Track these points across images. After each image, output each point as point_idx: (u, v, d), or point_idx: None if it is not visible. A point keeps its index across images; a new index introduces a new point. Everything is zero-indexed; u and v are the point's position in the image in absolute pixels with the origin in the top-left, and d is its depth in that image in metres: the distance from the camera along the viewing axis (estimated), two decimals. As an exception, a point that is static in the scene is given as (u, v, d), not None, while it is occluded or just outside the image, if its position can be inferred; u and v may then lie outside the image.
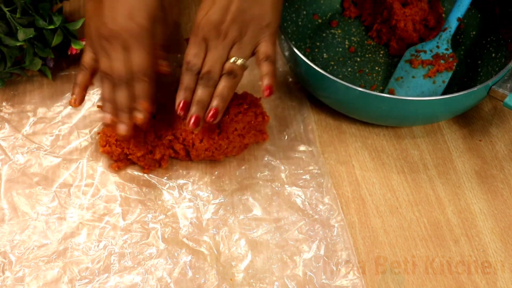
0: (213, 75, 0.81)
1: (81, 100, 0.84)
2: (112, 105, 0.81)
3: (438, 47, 0.97)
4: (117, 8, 0.81)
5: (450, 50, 0.97)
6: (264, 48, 0.82)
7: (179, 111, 0.81)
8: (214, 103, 0.81)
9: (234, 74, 0.82)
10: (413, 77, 0.96)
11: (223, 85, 0.82)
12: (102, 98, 0.82)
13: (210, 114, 0.81)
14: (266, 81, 0.82)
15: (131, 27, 0.80)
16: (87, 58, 0.84)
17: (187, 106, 0.81)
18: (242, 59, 0.82)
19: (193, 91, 0.82)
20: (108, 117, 0.81)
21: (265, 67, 0.82)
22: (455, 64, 0.96)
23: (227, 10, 0.80)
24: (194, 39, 0.81)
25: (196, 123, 0.81)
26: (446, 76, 0.96)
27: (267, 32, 0.82)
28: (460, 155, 0.92)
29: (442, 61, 0.96)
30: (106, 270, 0.79)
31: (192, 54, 0.81)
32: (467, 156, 0.92)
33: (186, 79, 0.82)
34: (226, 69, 0.81)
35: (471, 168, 0.91)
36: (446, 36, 0.98)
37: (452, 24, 0.98)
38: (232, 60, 0.81)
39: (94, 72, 0.84)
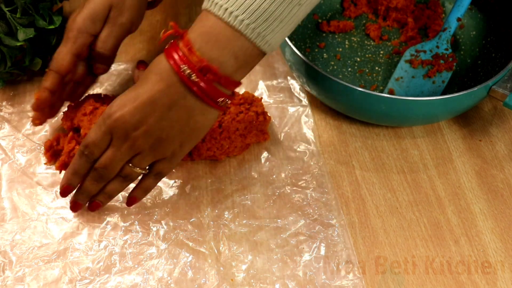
0: (107, 174, 0.77)
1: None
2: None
3: (438, 47, 0.97)
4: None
5: (450, 50, 0.97)
6: (161, 166, 0.78)
7: (60, 193, 0.80)
8: (100, 198, 0.81)
9: (130, 178, 0.79)
10: (413, 77, 0.96)
11: (115, 186, 0.79)
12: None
13: (92, 207, 0.82)
14: (135, 192, 0.81)
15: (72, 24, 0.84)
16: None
17: (70, 190, 0.81)
18: (141, 169, 0.78)
19: (82, 177, 0.79)
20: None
21: (148, 182, 0.80)
22: (455, 64, 0.96)
23: (144, 119, 0.73)
24: (102, 126, 0.75)
25: (77, 209, 0.82)
26: (446, 76, 0.96)
27: (176, 152, 0.77)
28: (460, 155, 0.92)
29: (442, 61, 0.96)
30: (107, 270, 0.79)
31: (94, 141, 0.75)
32: (467, 156, 0.92)
33: (78, 163, 0.78)
34: (123, 173, 0.78)
35: (471, 168, 0.91)
36: (446, 36, 0.98)
37: (452, 24, 0.98)
38: (131, 166, 0.77)
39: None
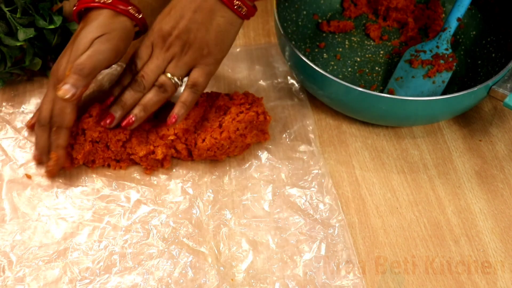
0: (145, 82, 0.84)
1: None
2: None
3: (437, 47, 0.97)
4: (75, 48, 0.82)
5: (450, 50, 0.97)
6: (195, 74, 0.85)
7: (107, 102, 0.85)
8: (135, 111, 0.84)
9: (164, 89, 0.84)
10: (412, 77, 0.96)
11: (150, 96, 0.84)
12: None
13: (126, 121, 0.84)
14: (176, 109, 0.84)
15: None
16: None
17: (113, 99, 0.86)
18: (176, 78, 0.84)
19: (122, 88, 0.85)
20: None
21: (185, 95, 0.85)
22: (455, 64, 0.96)
23: (176, 24, 0.82)
24: (146, 42, 0.84)
25: (110, 121, 0.84)
26: (446, 76, 0.96)
27: (205, 60, 0.84)
28: (460, 155, 0.92)
29: (442, 61, 0.96)
30: (107, 270, 0.79)
31: (138, 56, 0.85)
32: (467, 156, 0.92)
33: (123, 77, 0.85)
34: (159, 81, 0.84)
35: (471, 168, 0.91)
36: (445, 36, 0.98)
37: (452, 24, 0.98)
38: (168, 74, 0.84)
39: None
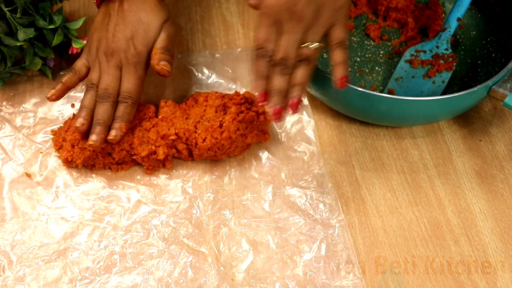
0: (289, 62, 0.76)
1: (58, 97, 0.87)
2: (89, 113, 0.84)
3: (437, 47, 0.97)
4: (121, 28, 0.85)
5: (450, 50, 0.97)
6: (337, 32, 0.77)
7: (261, 103, 0.77)
8: (295, 92, 0.77)
9: (310, 60, 0.77)
10: (412, 77, 0.96)
11: (301, 72, 0.77)
12: (82, 104, 0.85)
13: (294, 105, 0.77)
14: (339, 72, 0.78)
15: (129, 50, 0.85)
16: (80, 63, 0.88)
17: (267, 96, 0.77)
18: (317, 43, 0.77)
19: (267, 78, 0.77)
20: (81, 121, 0.84)
21: (338, 55, 0.78)
22: (454, 64, 0.96)
23: None
24: (265, 21, 0.76)
25: (279, 115, 0.77)
26: (446, 76, 0.96)
27: (341, 13, 0.76)
28: (460, 155, 0.92)
29: (442, 61, 0.96)
30: (107, 270, 0.79)
31: (264, 39, 0.76)
32: (467, 156, 0.92)
33: (261, 67, 0.77)
34: (303, 55, 0.76)
35: (471, 168, 0.91)
36: (445, 36, 0.98)
37: (452, 24, 0.98)
38: (307, 44, 0.76)
39: (81, 78, 0.88)
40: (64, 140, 0.86)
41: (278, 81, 0.76)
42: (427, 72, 0.96)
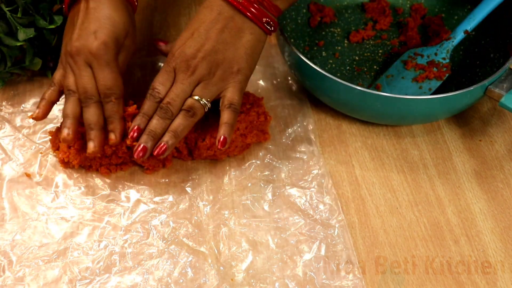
0: (172, 108, 0.81)
1: (44, 114, 0.84)
2: (73, 122, 0.81)
3: (436, 54, 0.97)
4: (85, 26, 0.82)
5: (447, 60, 0.96)
6: (230, 94, 0.82)
7: (131, 135, 0.81)
8: (166, 138, 0.81)
9: (193, 112, 0.81)
10: (402, 77, 0.96)
11: (179, 121, 0.81)
12: (63, 114, 0.82)
13: (158, 149, 0.81)
14: (222, 131, 0.81)
15: (92, 44, 0.81)
16: (58, 74, 0.84)
17: (140, 131, 0.81)
18: (204, 99, 0.82)
19: (150, 118, 0.82)
20: (66, 132, 0.81)
21: (226, 116, 0.82)
22: (446, 75, 0.95)
23: (201, 46, 0.81)
24: (166, 67, 0.82)
25: (143, 153, 0.80)
26: (434, 85, 0.95)
27: (236, 77, 0.83)
28: (460, 155, 0.92)
29: (434, 69, 0.95)
30: (107, 270, 0.79)
31: (159, 82, 0.82)
32: (467, 156, 0.92)
33: (147, 105, 0.82)
34: (186, 105, 0.81)
35: (471, 168, 0.91)
36: (447, 45, 0.97)
37: (458, 35, 0.97)
38: (195, 97, 0.81)
39: (61, 91, 0.84)
40: (60, 141, 0.86)
41: (155, 122, 0.81)
42: (416, 76, 0.96)
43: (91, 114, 0.81)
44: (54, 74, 0.84)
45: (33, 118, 0.83)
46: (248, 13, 0.81)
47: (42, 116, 0.83)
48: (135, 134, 0.81)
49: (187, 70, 0.81)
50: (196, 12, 0.84)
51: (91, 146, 0.81)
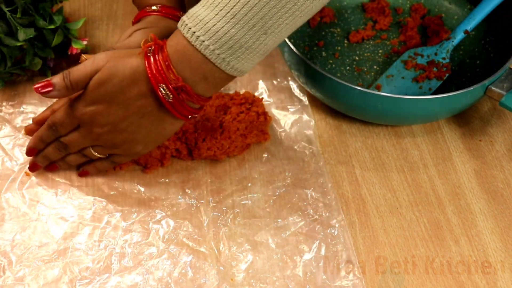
0: (70, 149, 0.83)
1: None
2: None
3: (436, 54, 0.97)
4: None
5: (447, 60, 0.96)
6: (120, 159, 0.85)
7: (26, 153, 0.85)
8: (60, 163, 0.86)
9: (89, 157, 0.84)
10: (402, 77, 0.96)
11: (74, 158, 0.85)
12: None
13: (51, 168, 0.86)
14: (90, 168, 0.86)
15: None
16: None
17: (34, 152, 0.85)
18: (101, 156, 0.83)
19: (46, 144, 0.84)
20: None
21: (103, 164, 0.85)
22: (446, 74, 0.95)
23: (115, 122, 0.77)
24: (69, 113, 0.79)
25: (34, 169, 0.86)
26: (434, 85, 0.95)
27: (137, 152, 0.82)
28: (460, 155, 0.92)
29: (435, 69, 0.95)
30: (107, 270, 0.79)
31: (61, 123, 0.81)
32: (467, 156, 0.92)
33: (46, 134, 0.83)
34: (84, 152, 0.83)
35: (471, 168, 0.91)
36: (447, 45, 0.97)
37: (458, 35, 0.97)
38: (92, 150, 0.82)
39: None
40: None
41: (52, 151, 0.84)
42: (417, 76, 0.96)
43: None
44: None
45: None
46: (174, 111, 0.76)
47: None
48: (31, 153, 0.85)
49: (91, 132, 0.79)
50: (119, 74, 0.75)
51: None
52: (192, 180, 0.88)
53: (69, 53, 0.97)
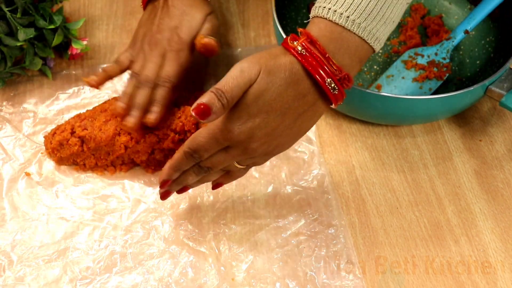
0: (213, 171, 0.76)
1: (98, 83, 0.87)
2: (129, 99, 0.85)
3: (436, 54, 0.97)
4: (166, 20, 0.87)
5: (447, 60, 0.96)
6: (258, 162, 0.77)
7: (161, 185, 0.78)
8: (193, 185, 0.79)
9: (229, 171, 0.77)
10: (402, 77, 0.96)
11: (212, 177, 0.78)
12: (123, 91, 0.86)
13: (182, 191, 0.79)
14: (224, 180, 0.79)
15: (174, 39, 0.87)
16: (123, 56, 0.89)
17: (168, 183, 0.78)
18: (243, 166, 0.77)
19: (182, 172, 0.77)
20: (120, 105, 0.84)
21: (239, 173, 0.78)
22: (446, 74, 0.95)
23: (270, 130, 0.70)
24: (218, 137, 0.72)
25: (166, 197, 0.79)
26: (435, 85, 0.95)
27: (278, 152, 0.76)
28: (460, 155, 0.92)
29: (435, 69, 0.95)
30: (107, 269, 0.79)
31: (205, 148, 0.73)
32: (467, 156, 0.92)
33: (185, 163, 0.75)
34: (226, 168, 0.77)
35: (471, 168, 0.91)
36: (447, 45, 0.97)
37: (458, 35, 0.97)
38: (236, 164, 0.75)
39: (123, 70, 0.88)
40: (51, 143, 0.87)
41: (190, 177, 0.76)
42: (417, 76, 0.96)
43: (141, 96, 0.85)
44: (121, 54, 0.89)
45: (87, 82, 0.86)
46: (334, 101, 0.71)
47: (96, 84, 0.87)
48: (165, 185, 0.78)
49: (244, 150, 0.72)
50: (277, 81, 0.69)
51: (129, 120, 0.84)
52: (192, 180, 0.88)
53: (69, 53, 0.97)
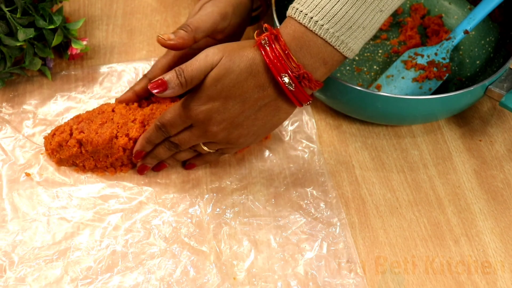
0: (180, 147, 0.82)
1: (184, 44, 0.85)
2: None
3: (436, 54, 0.97)
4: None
5: (447, 60, 0.96)
6: (229, 150, 0.85)
7: (134, 157, 0.85)
8: (169, 161, 0.87)
9: (199, 152, 0.85)
10: (402, 77, 0.96)
11: (184, 155, 0.85)
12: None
13: (160, 167, 0.87)
14: (197, 161, 0.87)
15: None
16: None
17: (142, 155, 0.85)
18: (211, 150, 0.83)
19: (154, 145, 0.84)
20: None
21: (211, 157, 0.87)
22: (446, 74, 0.95)
23: (231, 117, 0.76)
24: (181, 114, 0.78)
25: (143, 170, 0.87)
26: (435, 85, 0.95)
27: (247, 142, 0.81)
28: (460, 155, 0.92)
29: (435, 69, 0.96)
30: (109, 269, 0.79)
31: (171, 124, 0.79)
32: (467, 156, 0.92)
33: (154, 135, 0.82)
34: (194, 148, 0.84)
35: (471, 168, 0.91)
36: (447, 45, 0.97)
37: (458, 35, 0.97)
38: (203, 146, 0.82)
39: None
40: (50, 144, 0.87)
41: (162, 151, 0.84)
42: (417, 76, 0.96)
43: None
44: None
45: (162, 41, 0.84)
46: (294, 99, 0.75)
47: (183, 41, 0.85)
48: (138, 156, 0.85)
49: (206, 131, 0.78)
50: (236, 68, 0.73)
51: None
52: (192, 180, 0.88)
53: (69, 53, 0.97)
